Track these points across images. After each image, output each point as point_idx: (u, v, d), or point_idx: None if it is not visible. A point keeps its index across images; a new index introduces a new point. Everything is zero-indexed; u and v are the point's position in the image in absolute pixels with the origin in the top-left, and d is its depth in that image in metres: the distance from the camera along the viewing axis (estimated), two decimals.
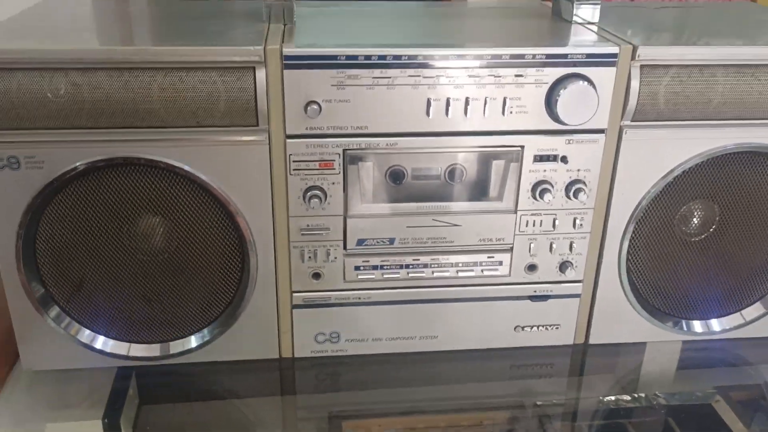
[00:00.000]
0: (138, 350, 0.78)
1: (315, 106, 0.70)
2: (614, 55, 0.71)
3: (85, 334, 0.77)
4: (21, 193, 0.69)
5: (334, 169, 0.73)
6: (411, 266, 0.78)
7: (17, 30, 0.74)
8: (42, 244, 0.73)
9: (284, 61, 0.68)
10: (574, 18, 0.82)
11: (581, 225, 0.78)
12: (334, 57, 0.68)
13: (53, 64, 0.66)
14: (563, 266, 0.80)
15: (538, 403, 0.81)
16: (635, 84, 0.73)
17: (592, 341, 0.85)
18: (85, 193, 0.71)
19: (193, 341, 0.78)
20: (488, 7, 0.97)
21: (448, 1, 1.11)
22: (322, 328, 0.81)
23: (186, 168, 0.70)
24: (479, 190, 0.76)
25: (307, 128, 0.71)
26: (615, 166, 0.76)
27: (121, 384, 0.79)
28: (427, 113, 0.71)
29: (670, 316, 0.85)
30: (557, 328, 0.84)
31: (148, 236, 0.74)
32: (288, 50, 0.68)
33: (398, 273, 0.78)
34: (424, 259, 0.78)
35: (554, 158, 0.75)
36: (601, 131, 0.75)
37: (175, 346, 0.78)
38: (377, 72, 0.69)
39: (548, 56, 0.70)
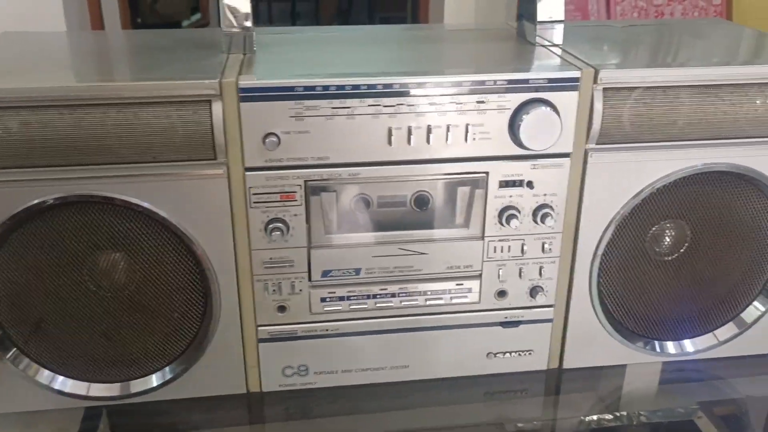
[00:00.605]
0: (98, 390, 0.76)
1: (274, 138, 0.68)
2: (576, 79, 0.71)
3: (44, 375, 0.75)
4: None
5: (296, 200, 0.71)
6: (379, 296, 0.77)
7: None
8: None
9: (240, 94, 0.67)
10: (538, 40, 0.81)
11: (550, 249, 0.77)
12: (292, 88, 0.67)
13: (3, 102, 0.65)
14: (534, 291, 0.79)
15: (519, 425, 0.80)
16: (599, 107, 0.72)
17: (566, 366, 0.84)
18: (40, 232, 0.69)
19: (155, 380, 0.76)
20: (454, 30, 0.97)
21: (422, 24, 1.10)
22: (290, 362, 0.79)
23: (144, 204, 0.69)
24: (446, 218, 0.75)
25: (266, 160, 0.69)
26: (582, 189, 0.75)
27: (89, 424, 0.77)
28: (389, 142, 0.70)
29: (644, 338, 0.84)
30: (530, 353, 0.83)
31: (107, 273, 0.72)
32: (244, 83, 0.67)
33: (366, 303, 0.77)
34: (391, 288, 0.77)
35: (520, 183, 0.74)
36: (566, 155, 0.74)
37: (136, 385, 0.76)
38: (336, 102, 0.68)
39: (509, 82, 0.70)
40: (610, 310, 0.82)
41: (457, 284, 0.78)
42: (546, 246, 0.77)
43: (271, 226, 0.72)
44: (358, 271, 0.75)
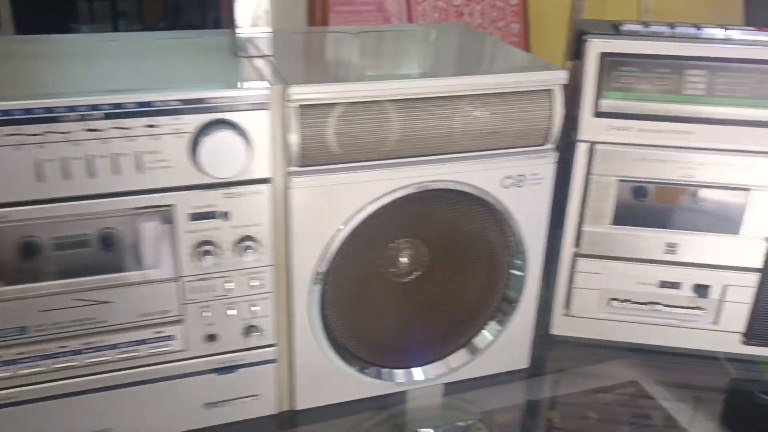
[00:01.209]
0: None
1: None
2: (264, 97, 0.63)
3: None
4: None
5: None
6: (58, 355, 0.65)
7: None
8: None
9: None
10: (250, 50, 0.73)
11: (261, 284, 0.69)
12: None
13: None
14: (249, 331, 0.71)
15: None
16: (294, 126, 0.65)
17: (300, 406, 0.77)
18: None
19: None
20: (165, 39, 0.86)
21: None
22: None
23: None
24: (131, 259, 0.65)
25: None
26: (288, 217, 0.68)
27: None
28: (40, 177, 0.59)
29: (377, 367, 0.79)
30: (256, 398, 0.74)
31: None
32: None
33: (41, 365, 0.65)
34: (73, 344, 0.66)
35: (213, 215, 0.65)
36: (265, 181, 0.66)
37: None
38: None
39: (184, 102, 0.60)
40: (339, 341, 0.75)
41: (156, 332, 0.68)
42: (255, 281, 0.69)
43: None
44: (23, 330, 0.64)
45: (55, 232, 0.62)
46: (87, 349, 0.66)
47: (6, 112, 0.56)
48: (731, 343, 0.87)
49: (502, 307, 0.80)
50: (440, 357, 0.79)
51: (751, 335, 0.85)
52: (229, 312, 0.69)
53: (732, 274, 0.83)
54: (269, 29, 0.73)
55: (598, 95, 0.79)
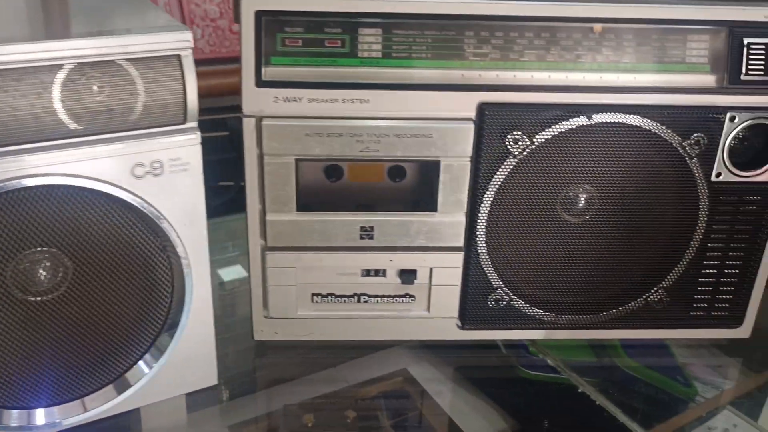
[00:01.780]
0: None
1: None
2: None
3: None
4: None
5: None
6: None
7: None
8: None
9: None
10: None
11: None
12: None
13: None
14: None
15: None
16: None
17: None
18: None
19: None
20: None
21: None
22: None
23: None
24: None
25: None
26: None
27: None
28: None
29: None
30: None
31: None
32: None
33: None
34: None
35: None
36: None
37: None
38: None
39: None
40: None
41: None
42: None
43: None
44: None
45: None
46: None
47: None
48: (450, 330, 0.80)
49: (169, 322, 0.67)
50: (78, 396, 0.65)
51: (465, 319, 0.78)
52: None
53: (435, 255, 0.75)
54: None
55: (261, 61, 0.67)
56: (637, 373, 0.82)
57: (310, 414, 0.74)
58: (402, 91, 0.68)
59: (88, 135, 0.58)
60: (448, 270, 0.76)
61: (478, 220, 0.73)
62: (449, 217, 0.73)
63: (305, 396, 0.76)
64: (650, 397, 0.79)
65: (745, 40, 0.69)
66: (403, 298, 0.77)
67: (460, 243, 0.74)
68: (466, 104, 0.69)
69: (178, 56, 0.59)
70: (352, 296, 0.77)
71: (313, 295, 0.76)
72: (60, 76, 0.56)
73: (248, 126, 0.68)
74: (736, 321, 0.81)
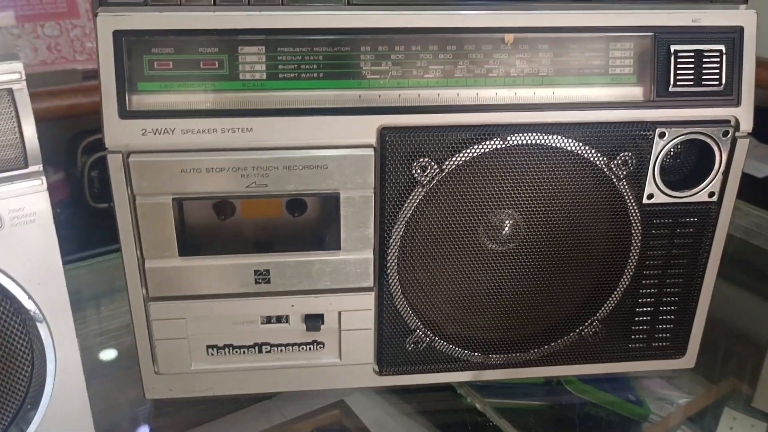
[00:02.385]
0: None
1: None
2: None
3: None
4: None
5: None
6: None
7: None
8: None
9: None
10: None
11: None
12: None
13: None
14: None
15: None
16: None
17: None
18: None
19: None
20: None
21: None
22: None
23: None
24: None
25: None
26: None
27: None
28: None
29: None
30: None
31: None
32: None
33: None
34: None
35: None
36: None
37: None
38: None
39: None
40: None
41: None
42: None
43: None
44: None
45: None
46: None
47: None
48: (366, 376, 0.71)
49: (31, 395, 0.58)
50: None
51: (383, 364, 0.70)
52: None
53: (343, 297, 0.67)
54: None
55: (125, 88, 0.58)
56: (587, 395, 0.76)
57: None
58: (291, 117, 0.60)
59: None
60: (359, 313, 0.67)
61: (389, 257, 0.65)
62: (355, 255, 0.65)
63: None
64: (600, 420, 0.73)
65: (673, 48, 0.63)
66: (311, 346, 0.69)
67: (370, 283, 0.66)
68: (365, 129, 0.61)
69: (10, 90, 0.50)
70: (253, 346, 0.68)
71: (209, 347, 0.68)
72: None
73: (114, 163, 0.59)
74: (679, 351, 0.74)
